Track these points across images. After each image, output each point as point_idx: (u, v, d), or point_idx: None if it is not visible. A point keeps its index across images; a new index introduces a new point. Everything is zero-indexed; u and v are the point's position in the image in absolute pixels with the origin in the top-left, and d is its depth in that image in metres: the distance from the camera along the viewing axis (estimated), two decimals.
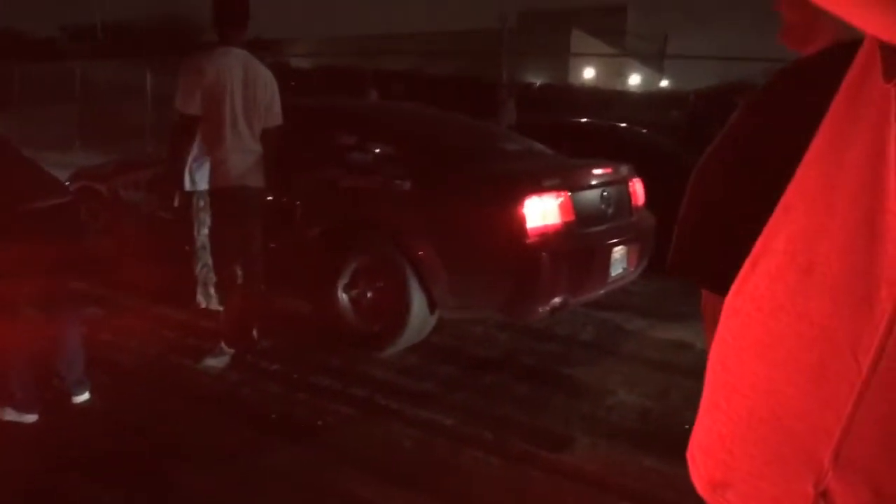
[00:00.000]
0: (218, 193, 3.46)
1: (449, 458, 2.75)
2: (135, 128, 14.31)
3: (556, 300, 3.57)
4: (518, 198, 3.44)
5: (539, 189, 3.54)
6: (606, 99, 17.57)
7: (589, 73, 27.65)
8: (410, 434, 2.93)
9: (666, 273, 1.40)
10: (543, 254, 3.47)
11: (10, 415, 2.75)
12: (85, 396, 2.97)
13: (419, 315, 3.72)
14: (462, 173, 3.80)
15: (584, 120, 7.94)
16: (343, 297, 3.91)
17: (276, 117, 3.58)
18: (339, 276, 3.89)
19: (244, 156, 3.48)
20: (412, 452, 2.79)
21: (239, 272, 3.57)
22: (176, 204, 3.55)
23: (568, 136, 5.88)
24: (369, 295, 3.86)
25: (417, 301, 3.68)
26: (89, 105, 15.94)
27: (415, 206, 3.74)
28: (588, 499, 2.51)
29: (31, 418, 2.78)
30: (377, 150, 4.00)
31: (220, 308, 3.60)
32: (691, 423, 0.83)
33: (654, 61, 29.38)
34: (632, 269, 4.18)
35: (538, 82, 19.80)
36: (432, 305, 3.71)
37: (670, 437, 2.88)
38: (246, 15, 3.51)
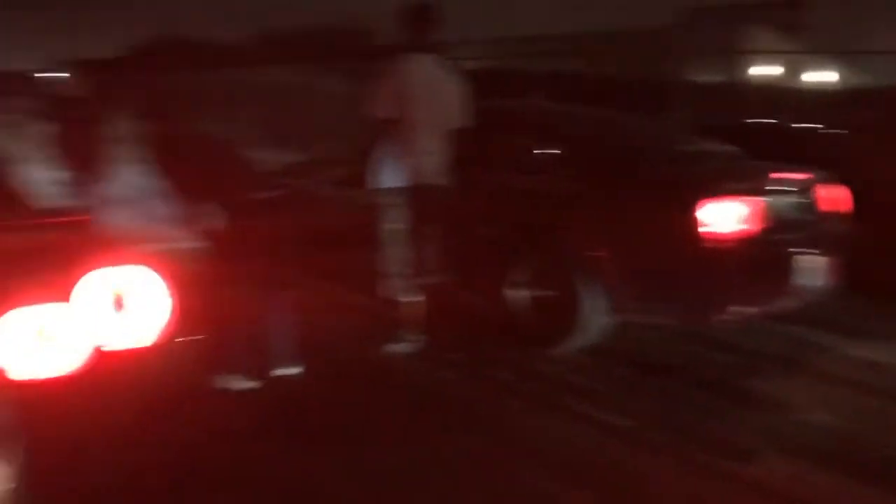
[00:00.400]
0: (406, 191, 3.72)
1: (624, 460, 2.79)
2: (319, 128, 15.34)
3: (736, 309, 3.48)
4: (697, 202, 3.40)
5: (720, 193, 3.48)
6: (790, 97, 16.36)
7: (767, 70, 25.92)
8: (585, 432, 3.00)
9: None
10: (723, 260, 3.40)
11: (237, 382, 3.15)
12: (294, 370, 3.32)
13: (592, 317, 3.76)
14: (639, 176, 3.80)
15: (770, 121, 7.50)
16: (515, 295, 4.04)
17: (464, 119, 3.77)
18: (512, 275, 4.03)
19: (431, 157, 3.71)
20: (587, 451, 2.86)
21: (420, 266, 3.81)
22: (366, 200, 3.85)
23: (753, 138, 5.61)
24: (541, 294, 3.96)
25: (589, 303, 3.73)
26: (277, 107, 17.32)
27: (589, 209, 3.80)
28: None
29: (253, 385, 3.17)
30: (553, 153, 4.09)
31: (402, 299, 3.86)
32: (888, 447, 0.84)
33: (838, 57, 26.98)
34: (822, 280, 3.95)
35: (714, 80, 18.84)
36: (607, 308, 3.74)
37: (862, 458, 2.74)
38: (437, 21, 3.72)
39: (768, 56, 25.81)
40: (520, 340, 3.97)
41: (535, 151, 4.14)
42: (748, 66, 24.22)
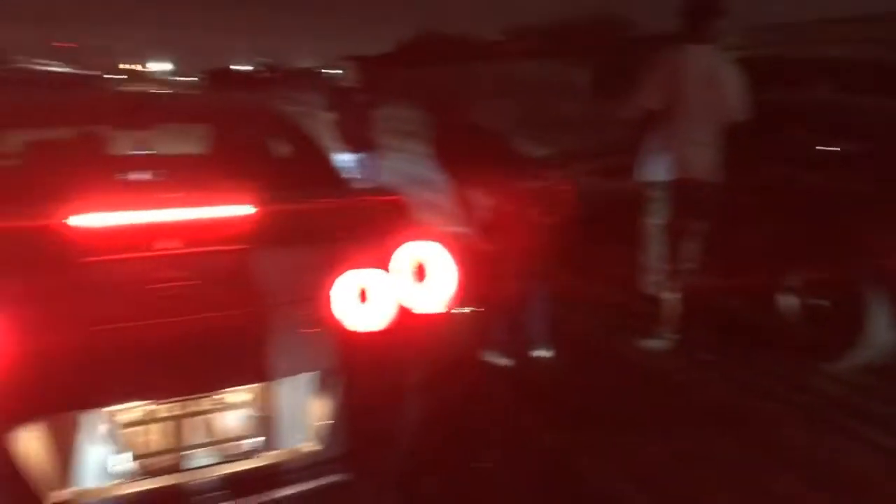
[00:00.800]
0: (673, 185, 3.62)
1: (886, 482, 2.50)
2: (570, 120, 15.48)
3: None
4: None
5: None
6: None
7: None
8: (854, 450, 2.74)
9: None
10: None
11: (496, 357, 3.36)
12: (548, 353, 3.45)
13: (879, 332, 3.37)
14: None
15: None
16: (789, 301, 3.74)
17: (738, 113, 3.58)
18: (789, 280, 3.73)
19: (700, 150, 3.57)
20: (854, 469, 2.60)
21: (681, 263, 3.70)
22: (631, 193, 3.82)
23: None
24: (821, 303, 3.62)
25: (878, 317, 3.33)
26: (528, 100, 17.76)
27: (885, 212, 3.38)
28: None
29: (509, 362, 3.35)
30: (839, 150, 3.71)
31: (661, 295, 3.78)
32: None
33: None
34: None
35: None
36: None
37: None
38: (719, 10, 3.56)
39: None
40: (791, 351, 3.68)
41: (820, 148, 3.77)
42: None
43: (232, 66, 43.67)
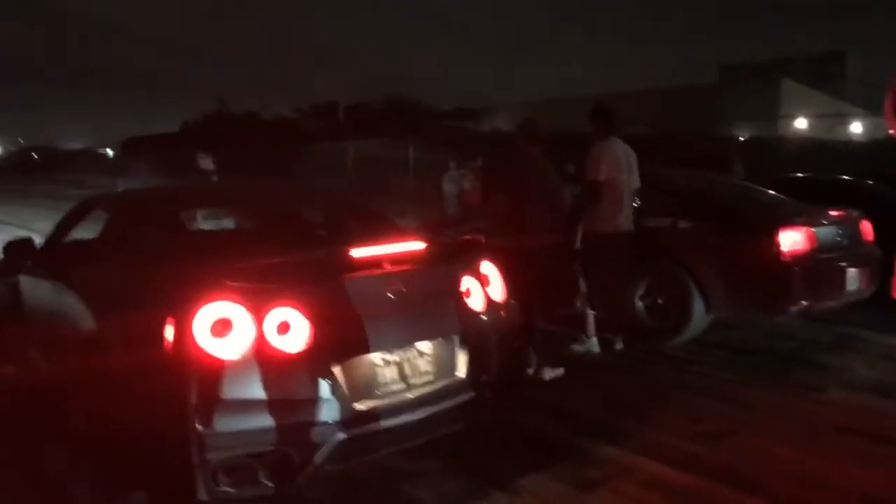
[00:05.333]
0: (618, 235, 5.14)
1: (734, 398, 4.31)
2: (399, 194, 17.35)
3: (804, 303, 5.02)
4: (775, 230, 4.99)
5: (790, 224, 5.07)
6: (830, 150, 17.68)
7: (802, 123, 27.13)
8: (687, 382, 4.58)
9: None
10: (794, 269, 4.96)
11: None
12: (556, 373, 4.65)
13: (698, 316, 5.32)
14: (732, 214, 5.42)
15: (808, 175, 9.02)
16: (639, 303, 5.60)
17: (637, 181, 5.32)
18: (636, 289, 5.59)
19: (627, 209, 5.23)
20: (701, 389, 4.40)
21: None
22: (577, 246, 5.13)
23: (797, 189, 7.18)
24: (660, 301, 5.52)
25: (697, 305, 5.29)
26: (359, 176, 19.45)
27: (697, 238, 5.38)
28: (822, 414, 3.95)
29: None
30: (667, 200, 5.71)
31: (588, 311, 5.15)
32: None
33: (878, 109, 28.22)
34: (863, 288, 5.46)
35: (742, 137, 20.29)
36: (708, 309, 5.29)
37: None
38: (617, 113, 5.30)
39: (805, 110, 27.23)
40: (644, 337, 5.46)
41: (658, 200, 5.69)
42: (786, 120, 25.60)
43: None
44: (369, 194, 17.66)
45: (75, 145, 54.67)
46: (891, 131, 4.66)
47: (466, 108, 36.24)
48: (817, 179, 8.49)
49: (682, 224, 5.47)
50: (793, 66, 38.05)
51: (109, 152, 46.49)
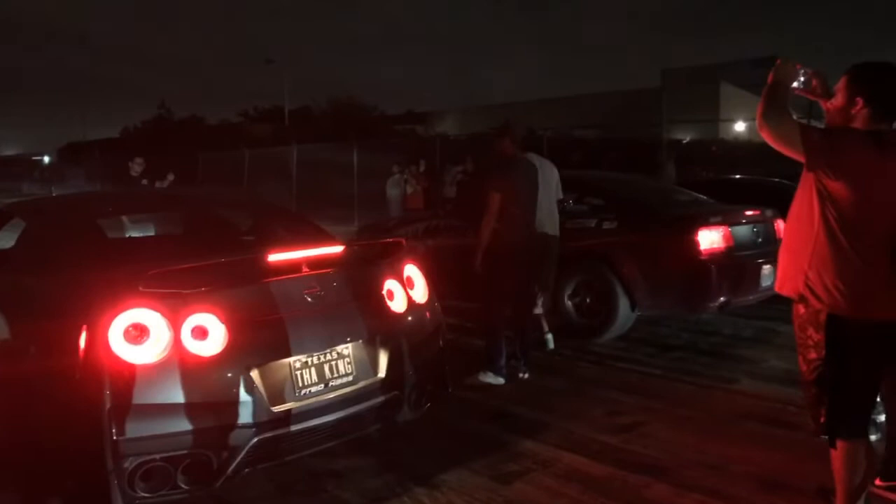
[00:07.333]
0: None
1: (656, 386, 4.51)
2: (344, 198, 17.32)
3: (723, 299, 5.26)
4: (694, 230, 5.22)
5: (708, 224, 5.30)
6: (758, 152, 18.30)
7: (740, 126, 27.98)
8: (624, 375, 4.77)
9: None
10: (712, 266, 5.19)
11: (489, 378, 4.69)
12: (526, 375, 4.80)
13: (624, 314, 5.52)
14: (653, 216, 5.64)
15: (736, 176, 9.44)
16: (568, 303, 5.78)
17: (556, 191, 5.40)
18: (565, 289, 5.77)
19: (546, 218, 5.31)
20: (636, 384, 4.58)
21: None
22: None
23: (723, 190, 7.50)
24: (587, 300, 5.71)
25: (622, 304, 5.48)
26: (302, 180, 19.32)
27: (620, 239, 5.58)
28: (731, 403, 4.17)
29: (501, 381, 4.64)
30: (592, 202, 5.91)
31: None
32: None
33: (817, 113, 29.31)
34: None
35: (686, 139, 20.92)
36: (633, 306, 5.49)
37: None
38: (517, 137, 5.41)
39: (742, 113, 28.12)
40: (573, 335, 5.65)
41: (583, 202, 5.89)
42: (725, 123, 26.41)
43: None
44: (311, 199, 17.71)
45: (9, 152, 53.06)
46: None
47: (417, 111, 36.49)
48: (739, 181, 8.88)
49: (607, 225, 5.66)
50: (734, 70, 38.86)
51: (46, 159, 45.23)
